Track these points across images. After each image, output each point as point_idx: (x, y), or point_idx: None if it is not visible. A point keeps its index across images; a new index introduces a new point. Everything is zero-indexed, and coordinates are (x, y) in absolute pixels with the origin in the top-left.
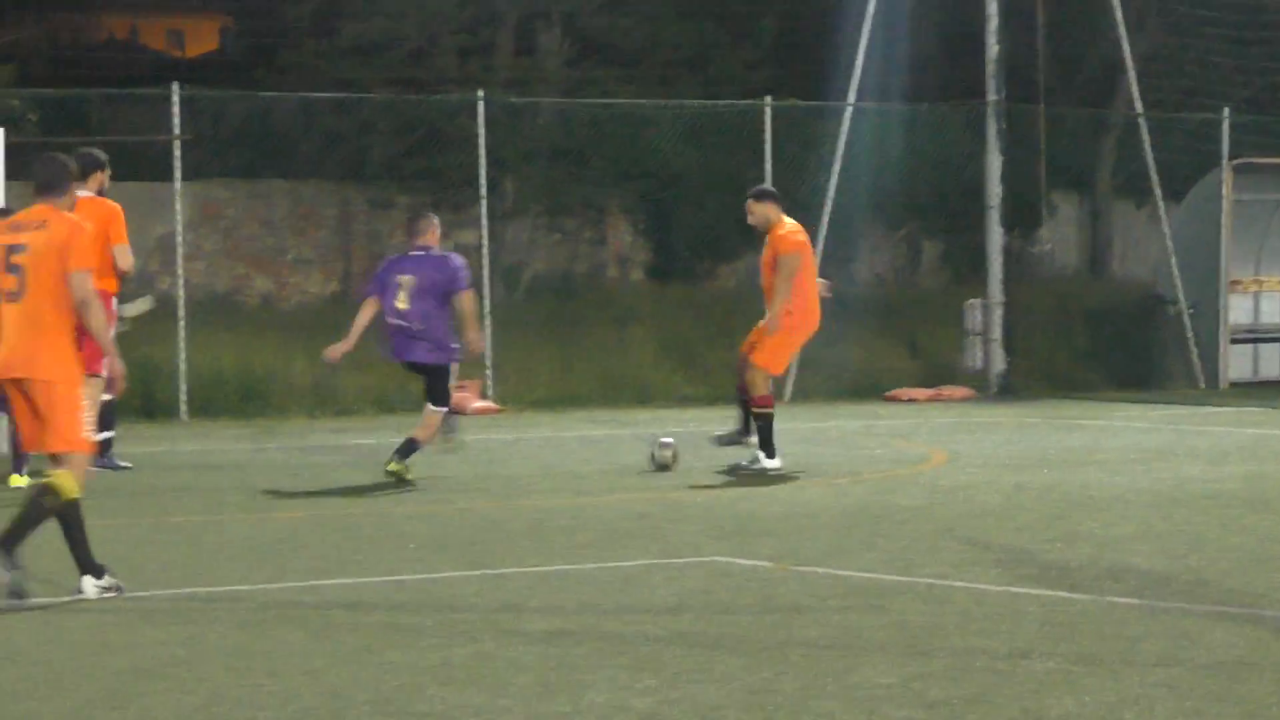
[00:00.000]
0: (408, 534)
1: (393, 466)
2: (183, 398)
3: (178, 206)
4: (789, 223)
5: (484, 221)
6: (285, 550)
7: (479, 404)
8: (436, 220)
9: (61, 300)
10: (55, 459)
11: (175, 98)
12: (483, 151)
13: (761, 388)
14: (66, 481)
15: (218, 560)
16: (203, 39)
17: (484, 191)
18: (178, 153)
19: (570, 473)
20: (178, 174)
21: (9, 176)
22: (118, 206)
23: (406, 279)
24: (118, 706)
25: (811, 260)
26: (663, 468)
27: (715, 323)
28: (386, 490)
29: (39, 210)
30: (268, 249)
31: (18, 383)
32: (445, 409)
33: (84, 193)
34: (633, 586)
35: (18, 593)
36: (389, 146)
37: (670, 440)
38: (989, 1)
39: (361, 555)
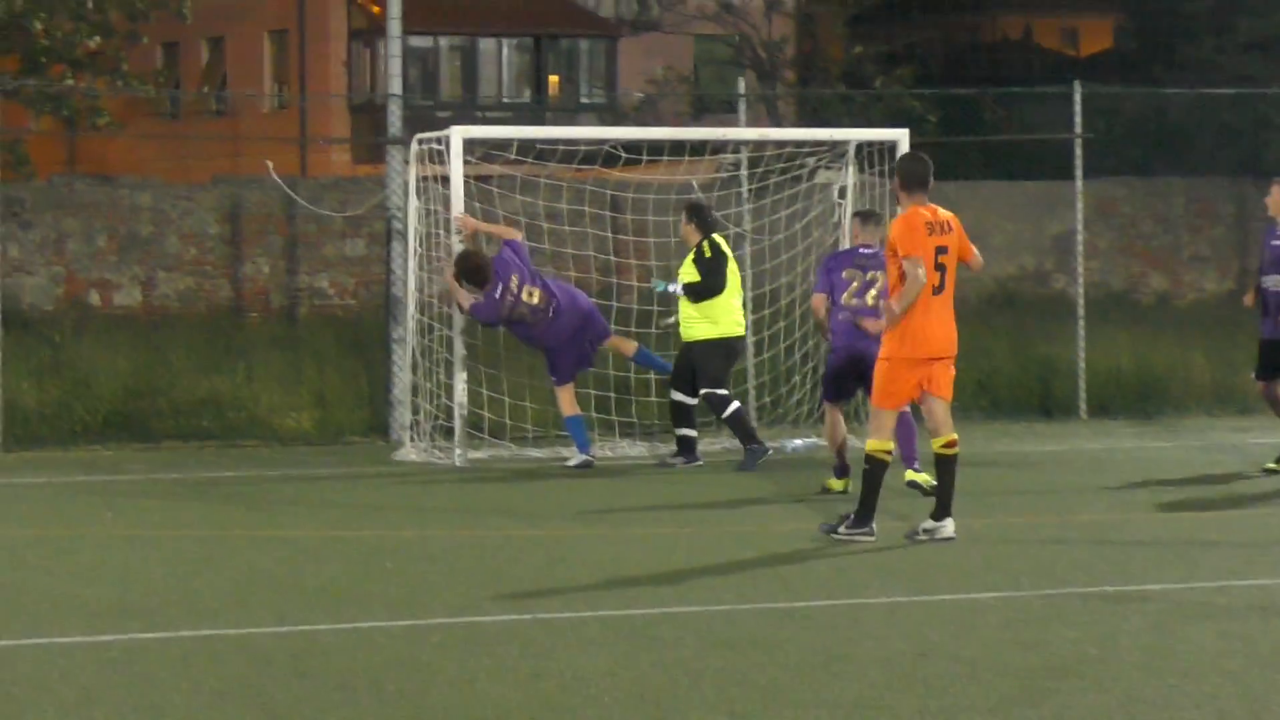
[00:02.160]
0: None
1: None
2: (1081, 395)
3: (1078, 205)
4: None
5: None
6: (1194, 548)
7: None
8: None
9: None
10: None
11: (1076, 95)
12: None
13: None
14: (953, 434)
15: (1127, 558)
16: (1097, 37)
17: None
18: (1078, 151)
19: None
20: (1079, 172)
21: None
22: None
23: None
24: (1034, 703)
25: None
26: None
27: None
28: None
29: (938, 211)
30: (1164, 246)
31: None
32: None
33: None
34: None
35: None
36: None
37: None
38: None
39: (1271, 556)
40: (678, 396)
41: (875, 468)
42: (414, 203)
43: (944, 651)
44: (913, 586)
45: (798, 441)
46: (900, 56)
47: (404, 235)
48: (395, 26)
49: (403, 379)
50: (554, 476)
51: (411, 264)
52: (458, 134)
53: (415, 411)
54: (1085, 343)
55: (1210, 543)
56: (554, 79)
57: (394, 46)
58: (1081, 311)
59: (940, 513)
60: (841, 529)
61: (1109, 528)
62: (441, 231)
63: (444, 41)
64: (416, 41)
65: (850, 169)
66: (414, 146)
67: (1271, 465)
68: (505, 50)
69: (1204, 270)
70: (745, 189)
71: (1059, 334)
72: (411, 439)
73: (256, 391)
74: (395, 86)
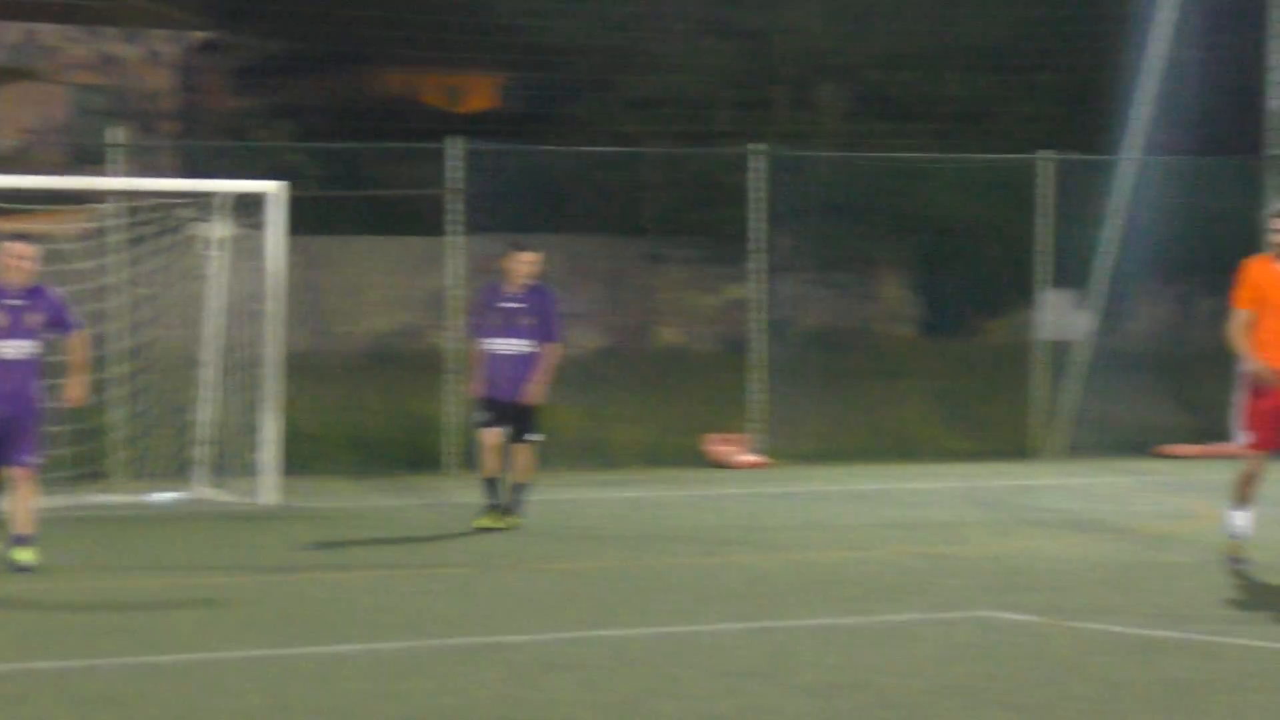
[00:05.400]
0: (674, 586)
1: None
2: (449, 449)
3: (451, 260)
4: None
5: (758, 276)
6: (554, 602)
7: (747, 457)
8: None
9: None
10: None
11: (449, 151)
12: (756, 205)
13: None
14: None
15: (490, 610)
16: (482, 94)
17: (758, 245)
18: (452, 207)
19: (838, 526)
20: (452, 228)
21: (291, 230)
22: None
23: None
24: None
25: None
26: None
27: (984, 377)
28: (653, 543)
29: None
30: None
31: None
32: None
33: None
34: (902, 640)
35: None
36: (664, 201)
37: None
38: (1269, 54)
39: (629, 607)
40: None
41: None
42: None
43: (303, 706)
44: (273, 639)
45: (165, 495)
46: (284, 111)
47: None
48: None
49: None
50: None
51: None
52: None
53: None
54: (454, 398)
55: (571, 595)
56: None
57: None
58: (451, 366)
59: None
60: None
61: (474, 580)
62: None
63: None
64: None
65: (226, 221)
66: None
67: (485, 522)
68: None
69: (579, 327)
70: (118, 240)
71: (429, 388)
72: None
73: None
74: None
